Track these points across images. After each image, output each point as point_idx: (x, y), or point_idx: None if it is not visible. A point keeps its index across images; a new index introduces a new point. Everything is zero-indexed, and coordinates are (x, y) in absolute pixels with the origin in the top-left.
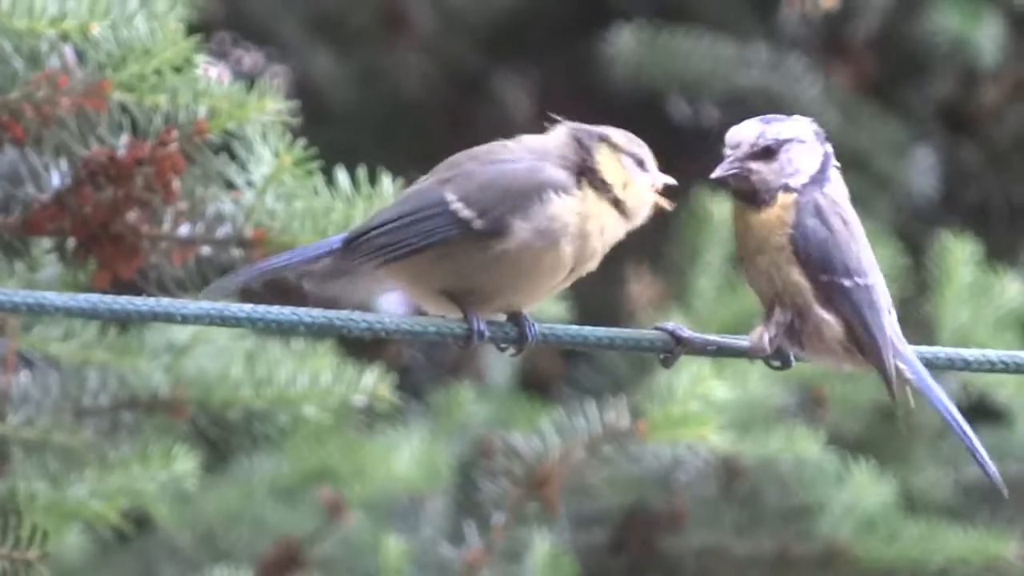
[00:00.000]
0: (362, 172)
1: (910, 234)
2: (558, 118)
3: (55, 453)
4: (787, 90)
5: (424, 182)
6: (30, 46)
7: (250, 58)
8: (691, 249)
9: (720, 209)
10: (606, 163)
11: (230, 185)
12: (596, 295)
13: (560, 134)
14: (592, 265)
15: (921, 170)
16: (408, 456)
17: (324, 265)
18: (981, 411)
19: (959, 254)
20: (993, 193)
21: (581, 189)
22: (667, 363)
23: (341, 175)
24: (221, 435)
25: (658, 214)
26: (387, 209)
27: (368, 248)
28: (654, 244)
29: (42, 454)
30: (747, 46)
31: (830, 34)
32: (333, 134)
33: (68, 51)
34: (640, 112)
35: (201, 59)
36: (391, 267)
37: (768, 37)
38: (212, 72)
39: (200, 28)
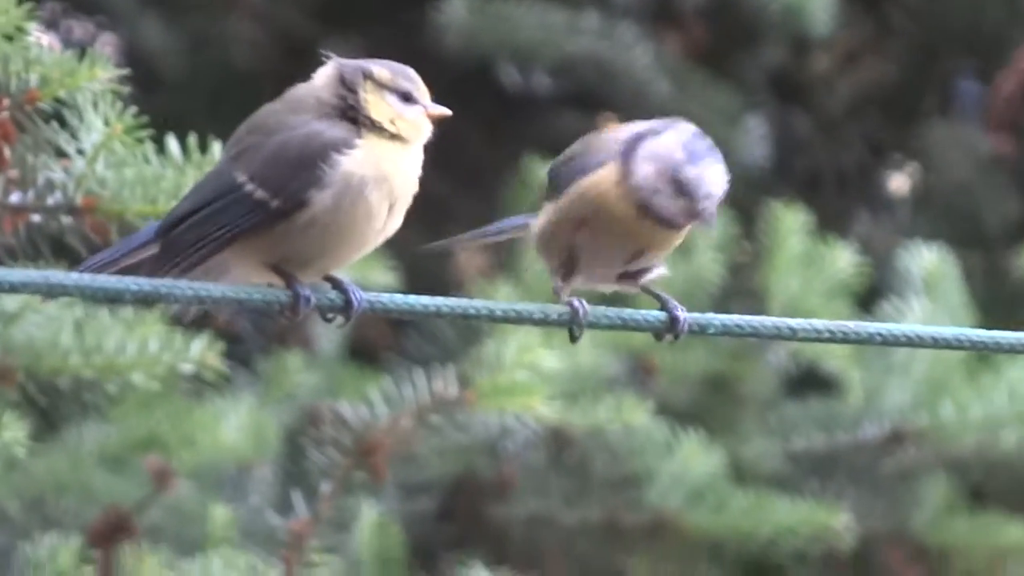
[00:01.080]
0: (193, 140)
1: (741, 203)
2: (328, 55)
3: None
4: (618, 58)
5: (221, 157)
6: None
7: (81, 27)
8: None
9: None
10: (372, 101)
11: (61, 153)
12: (424, 265)
13: (325, 77)
14: (403, 206)
15: (752, 139)
16: (236, 425)
17: (151, 253)
18: (811, 381)
19: (790, 223)
20: (824, 162)
21: (362, 136)
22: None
23: (172, 143)
24: (50, 403)
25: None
26: (188, 194)
27: (178, 248)
28: (484, 213)
29: None
30: (578, 14)
31: (661, 2)
32: (164, 102)
33: None
34: (471, 80)
35: (32, 27)
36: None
37: (599, 5)
38: (43, 40)
39: None
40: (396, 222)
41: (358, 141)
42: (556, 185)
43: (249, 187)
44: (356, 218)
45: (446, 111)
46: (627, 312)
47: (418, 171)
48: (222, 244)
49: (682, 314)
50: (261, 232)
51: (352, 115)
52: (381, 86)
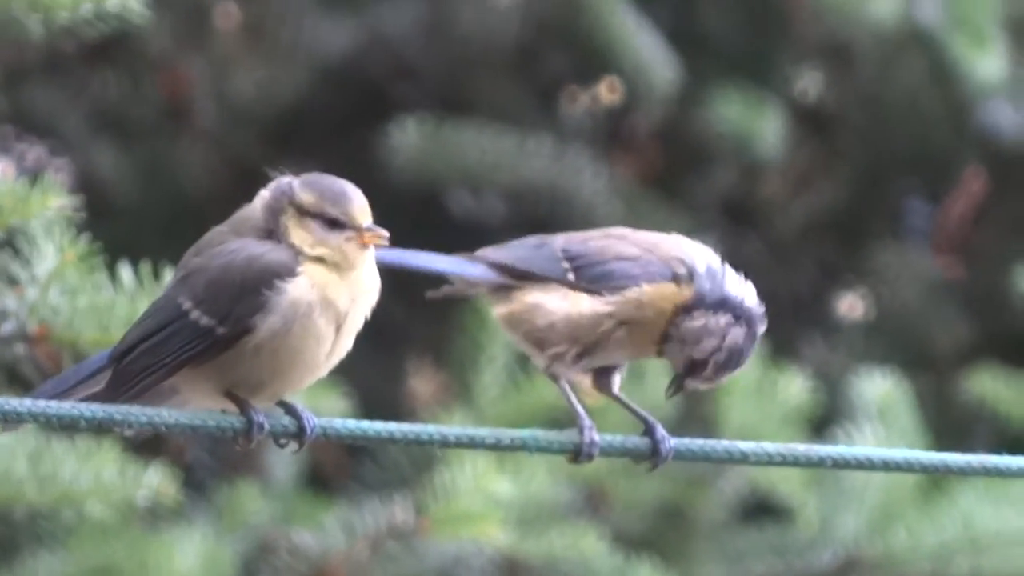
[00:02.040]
0: (146, 267)
1: None
2: (273, 172)
3: None
4: (571, 182)
5: (170, 280)
6: None
7: (33, 152)
8: (474, 344)
9: None
10: (292, 227)
11: (13, 281)
12: (378, 390)
13: (260, 199)
14: (354, 329)
15: None
16: (192, 554)
17: (104, 379)
18: (765, 508)
19: None
20: (778, 285)
21: (301, 262)
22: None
23: (125, 270)
24: (6, 533)
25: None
26: (139, 320)
27: (128, 375)
28: (437, 339)
29: None
30: (530, 138)
31: (613, 126)
32: (117, 229)
33: None
34: (422, 205)
35: None
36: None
37: (551, 129)
38: None
39: None
40: (346, 345)
41: (299, 268)
42: (591, 274)
43: (194, 314)
44: (304, 343)
45: (383, 233)
46: (608, 438)
47: (369, 293)
48: (171, 371)
49: (664, 444)
50: (210, 358)
51: (285, 243)
52: (303, 212)
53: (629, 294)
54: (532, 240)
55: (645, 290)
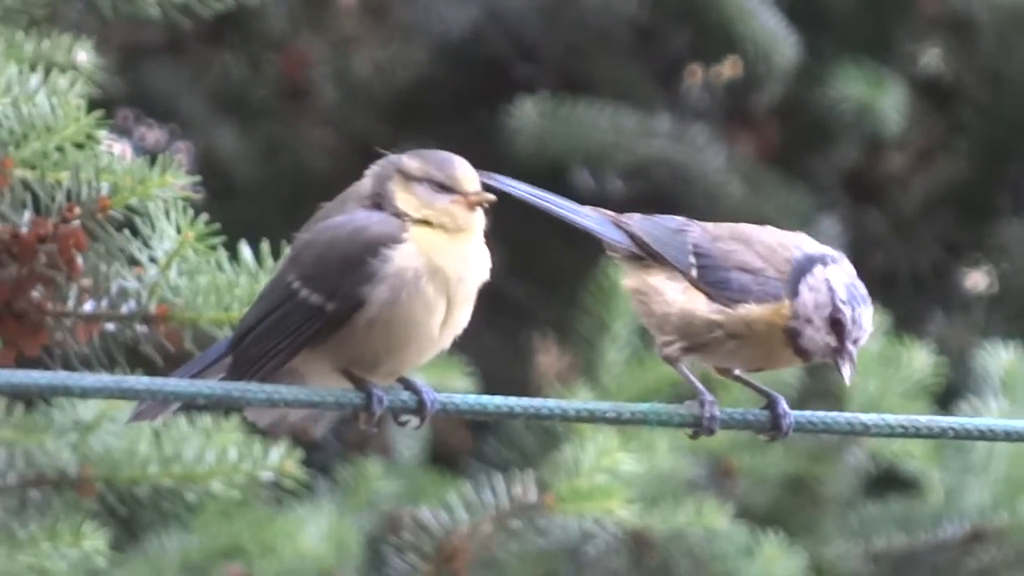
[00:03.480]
0: (266, 246)
1: None
2: (383, 152)
3: None
4: (691, 160)
5: (281, 261)
6: None
7: (153, 134)
8: (598, 321)
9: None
10: (399, 193)
11: (133, 261)
12: (501, 369)
13: (368, 176)
14: (468, 298)
15: (826, 239)
16: (317, 532)
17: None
18: (890, 481)
19: None
20: (900, 262)
21: (408, 230)
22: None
23: (245, 250)
24: (130, 512)
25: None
26: (255, 302)
27: (246, 362)
28: (562, 316)
29: None
30: (650, 117)
31: (733, 103)
32: (237, 209)
33: None
34: (543, 183)
35: (103, 135)
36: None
37: (671, 107)
38: (115, 148)
39: (102, 104)
40: (462, 316)
41: (405, 235)
42: (712, 278)
43: (304, 292)
44: (415, 312)
45: (488, 196)
46: (728, 411)
47: (480, 261)
48: (288, 356)
49: (786, 419)
50: (324, 338)
51: (387, 208)
52: (409, 177)
53: (740, 310)
54: (675, 222)
55: (752, 309)
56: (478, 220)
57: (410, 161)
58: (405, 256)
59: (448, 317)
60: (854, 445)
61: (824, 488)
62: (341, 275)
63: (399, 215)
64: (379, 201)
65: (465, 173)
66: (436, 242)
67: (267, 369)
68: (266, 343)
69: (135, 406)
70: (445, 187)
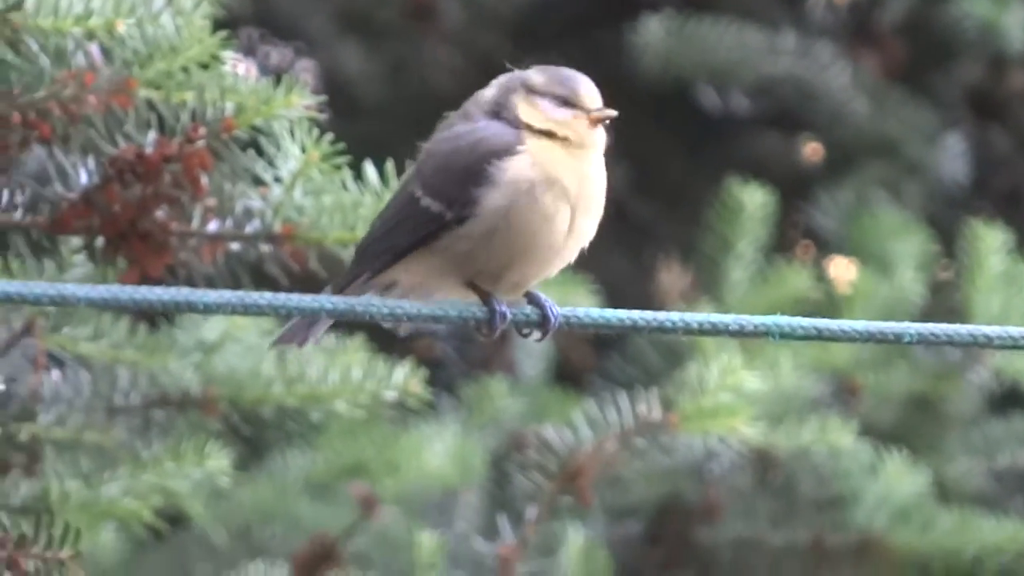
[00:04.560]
0: (390, 165)
1: (940, 221)
2: (509, 66)
3: (87, 452)
4: (816, 77)
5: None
6: (56, 44)
7: (277, 54)
8: (722, 240)
9: (752, 199)
10: (522, 106)
11: (258, 181)
12: (627, 287)
13: (492, 87)
14: (591, 209)
15: (951, 156)
16: (441, 451)
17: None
18: (1014, 399)
19: (990, 242)
20: (1023, 179)
21: (526, 141)
22: None
23: (369, 169)
24: (254, 432)
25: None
26: (379, 215)
27: (366, 259)
28: (685, 234)
29: (74, 453)
30: (775, 34)
31: (858, 21)
32: (361, 128)
33: (94, 49)
34: (669, 102)
35: (228, 55)
36: (400, 273)
37: (796, 25)
38: (239, 68)
39: (226, 24)
40: (586, 227)
41: (521, 146)
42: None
43: (425, 200)
44: (532, 221)
45: (610, 112)
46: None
47: (598, 176)
48: (404, 252)
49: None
50: (446, 247)
51: (508, 119)
52: (533, 91)
53: None
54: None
55: None
56: (599, 137)
57: (535, 75)
58: (520, 165)
59: (572, 227)
60: (977, 363)
61: (947, 406)
62: (459, 184)
63: (520, 126)
64: (499, 111)
65: (588, 90)
66: (553, 155)
67: (381, 263)
68: (385, 242)
69: (280, 330)
70: (568, 102)
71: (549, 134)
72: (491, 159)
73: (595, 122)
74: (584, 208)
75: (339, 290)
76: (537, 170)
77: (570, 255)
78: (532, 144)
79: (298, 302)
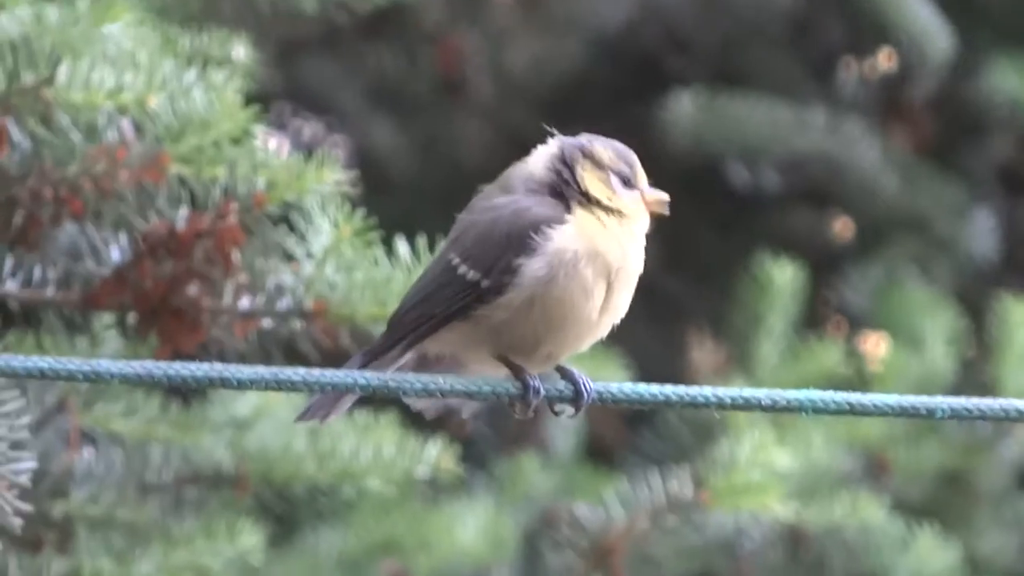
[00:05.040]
0: (422, 241)
1: (970, 296)
2: (551, 132)
3: (120, 530)
4: (846, 152)
5: (443, 243)
6: (88, 119)
7: (309, 128)
8: (753, 315)
9: (782, 274)
10: (590, 180)
11: (289, 257)
12: (658, 362)
13: (543, 155)
14: (627, 285)
15: (981, 232)
16: (473, 527)
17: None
18: None
19: (1019, 316)
20: None
21: (572, 212)
22: None
23: (401, 245)
24: (286, 509)
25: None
26: (414, 284)
27: (400, 328)
28: (716, 310)
29: (107, 531)
30: (805, 109)
31: (888, 96)
32: (393, 203)
33: (126, 124)
34: (699, 177)
35: (259, 130)
36: (432, 343)
37: (826, 100)
38: (271, 143)
39: (258, 99)
40: (621, 303)
41: (568, 216)
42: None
43: (462, 268)
44: (572, 293)
45: (664, 196)
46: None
47: (639, 253)
48: (440, 323)
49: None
50: (483, 316)
51: (564, 191)
52: (600, 165)
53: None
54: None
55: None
56: (646, 215)
57: (600, 149)
58: (565, 237)
59: (607, 302)
60: (1008, 437)
61: (979, 481)
62: (500, 251)
63: (574, 198)
64: (556, 183)
65: (641, 170)
66: (598, 228)
67: (416, 335)
68: (421, 310)
69: (305, 405)
70: (629, 182)
71: (606, 209)
72: (538, 227)
73: (651, 204)
74: (621, 284)
75: (370, 360)
76: (582, 242)
77: (604, 330)
78: (579, 216)
79: (331, 377)
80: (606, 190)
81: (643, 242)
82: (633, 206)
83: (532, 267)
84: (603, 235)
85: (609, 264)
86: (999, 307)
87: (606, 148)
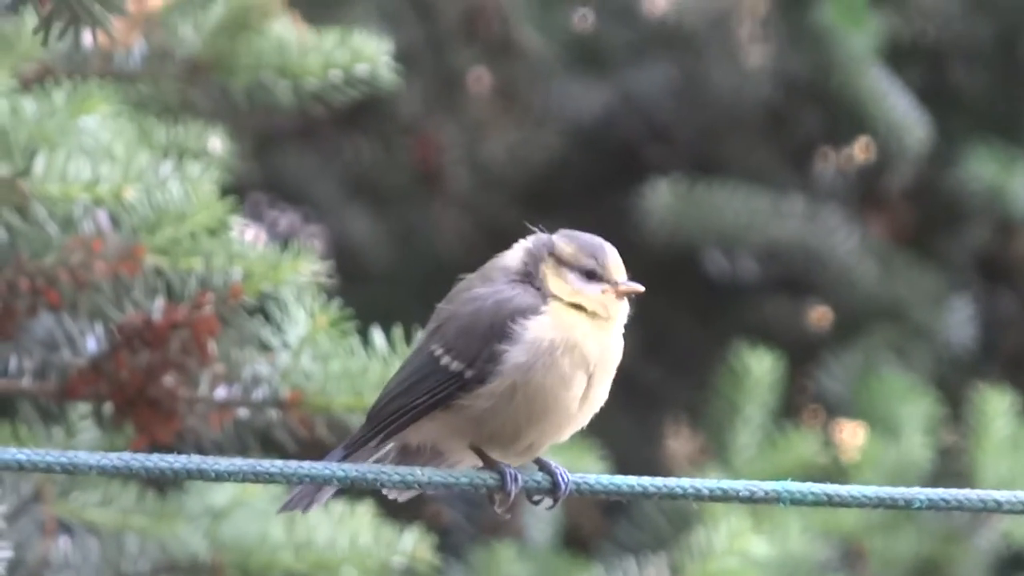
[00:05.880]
0: (398, 331)
1: (948, 385)
2: (535, 227)
3: None
4: (824, 241)
5: (423, 333)
6: (64, 211)
7: (286, 219)
8: (730, 404)
9: (759, 364)
10: (550, 277)
11: (265, 347)
12: (634, 452)
13: (520, 249)
14: (606, 377)
15: (959, 320)
16: None
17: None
18: (1021, 563)
19: (997, 405)
20: None
21: (548, 304)
22: None
23: (377, 335)
24: None
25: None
26: (394, 376)
27: (380, 419)
28: (693, 399)
29: None
30: (783, 199)
31: (866, 185)
32: (369, 294)
33: (102, 216)
34: (676, 265)
35: (235, 221)
36: (412, 434)
37: (804, 189)
38: (247, 234)
39: (234, 190)
40: (600, 394)
41: (544, 308)
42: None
43: (445, 359)
44: (551, 382)
45: (637, 287)
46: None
47: (617, 345)
48: (421, 413)
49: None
50: (461, 404)
51: (536, 285)
52: (561, 262)
53: None
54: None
55: None
56: (623, 308)
57: (564, 245)
58: (542, 326)
59: (587, 393)
60: (984, 527)
61: (955, 570)
62: (483, 341)
63: (547, 294)
64: (525, 277)
65: (615, 261)
66: (575, 320)
67: (397, 425)
68: (401, 401)
69: (287, 496)
70: (595, 275)
71: (576, 306)
72: (516, 317)
73: (622, 295)
74: (600, 377)
75: (351, 452)
76: (558, 332)
77: (583, 420)
78: (556, 307)
79: (309, 469)
80: (564, 286)
81: (620, 333)
82: (596, 300)
83: (512, 355)
84: (579, 327)
85: (586, 356)
86: (976, 396)
87: (570, 243)
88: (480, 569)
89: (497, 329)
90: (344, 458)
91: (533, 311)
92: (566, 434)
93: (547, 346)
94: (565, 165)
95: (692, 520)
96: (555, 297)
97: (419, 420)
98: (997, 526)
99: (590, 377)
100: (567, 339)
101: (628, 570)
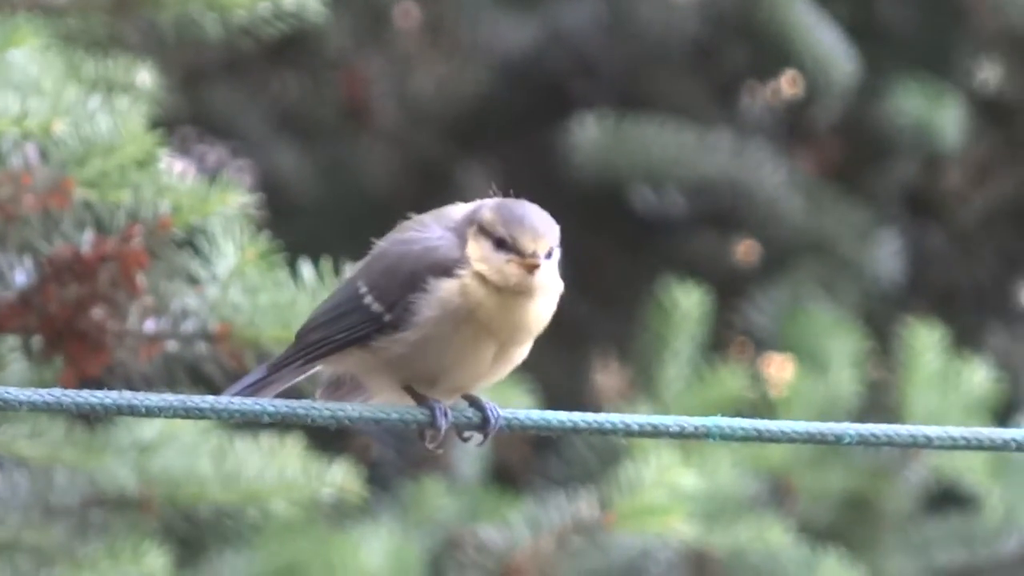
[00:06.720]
0: (327, 264)
1: (876, 319)
2: (495, 191)
3: (25, 553)
4: (751, 176)
5: (354, 267)
6: None
7: (214, 153)
8: (658, 338)
9: (687, 298)
10: (471, 242)
11: (194, 280)
12: (563, 387)
13: (468, 207)
14: (518, 345)
15: (887, 254)
16: (378, 551)
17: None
18: (950, 497)
19: (925, 340)
20: (959, 277)
21: (466, 268)
22: None
23: (305, 268)
24: (191, 531)
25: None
26: (323, 303)
27: (301, 346)
28: (621, 334)
29: (12, 554)
30: (710, 133)
31: (793, 120)
32: (297, 227)
33: (31, 149)
34: (604, 201)
35: (164, 155)
36: (334, 364)
37: (731, 124)
38: (176, 167)
39: (163, 124)
40: (515, 355)
41: (462, 272)
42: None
43: (368, 299)
44: (458, 342)
45: (537, 261)
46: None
47: (535, 315)
48: (339, 347)
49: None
50: (380, 343)
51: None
52: (481, 229)
53: None
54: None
55: None
56: (543, 281)
57: (487, 212)
58: (450, 289)
59: (499, 355)
60: (914, 461)
61: (884, 505)
62: (401, 288)
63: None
64: (461, 235)
65: (533, 236)
66: (485, 291)
67: (318, 354)
68: (324, 331)
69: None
70: (505, 245)
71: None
72: (434, 271)
73: (528, 268)
74: (512, 343)
75: (271, 372)
76: (463, 299)
77: (502, 374)
78: (471, 273)
79: (240, 405)
80: (478, 252)
81: (544, 303)
82: (497, 270)
83: (423, 309)
84: (487, 299)
85: (488, 326)
86: (905, 330)
87: (493, 212)
88: (409, 503)
89: (416, 278)
90: (264, 378)
91: (447, 272)
92: (484, 384)
93: (452, 310)
94: (493, 100)
95: (621, 454)
96: (469, 262)
97: (339, 353)
98: (926, 461)
99: (501, 344)
100: (470, 308)
101: (557, 504)
